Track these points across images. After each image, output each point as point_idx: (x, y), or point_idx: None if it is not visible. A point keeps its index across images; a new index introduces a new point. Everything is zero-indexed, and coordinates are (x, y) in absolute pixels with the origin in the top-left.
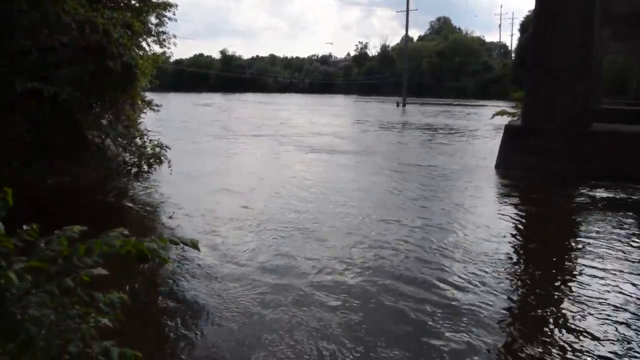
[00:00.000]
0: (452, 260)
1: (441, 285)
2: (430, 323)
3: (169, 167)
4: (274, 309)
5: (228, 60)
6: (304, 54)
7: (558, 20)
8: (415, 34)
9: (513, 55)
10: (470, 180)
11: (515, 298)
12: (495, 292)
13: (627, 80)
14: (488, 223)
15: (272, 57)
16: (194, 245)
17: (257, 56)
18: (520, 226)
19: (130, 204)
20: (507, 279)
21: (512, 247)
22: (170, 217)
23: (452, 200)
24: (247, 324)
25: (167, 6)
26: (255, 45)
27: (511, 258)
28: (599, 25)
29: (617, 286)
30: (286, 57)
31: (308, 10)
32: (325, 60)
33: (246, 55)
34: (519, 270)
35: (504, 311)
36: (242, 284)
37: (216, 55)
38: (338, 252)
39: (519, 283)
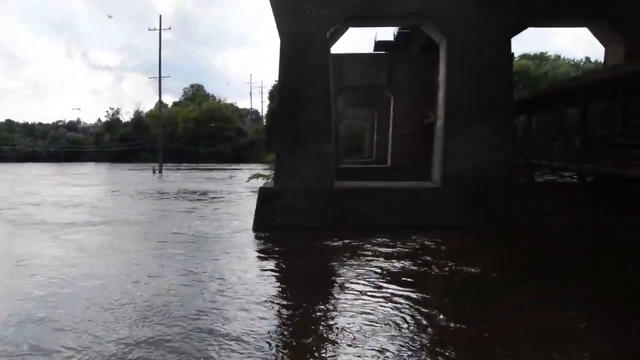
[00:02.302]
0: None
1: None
2: None
3: None
4: None
5: None
6: (48, 119)
7: (300, 91)
8: (169, 99)
9: (264, 120)
10: (229, 243)
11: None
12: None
13: (362, 141)
14: (248, 283)
15: (10, 123)
16: None
17: None
18: (280, 282)
19: None
20: (275, 323)
21: (273, 301)
22: None
23: (212, 265)
24: None
25: None
26: None
27: (273, 309)
28: (336, 95)
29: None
30: (27, 123)
31: (53, 73)
32: (73, 126)
33: None
34: (283, 314)
35: None
36: None
37: None
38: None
39: (287, 321)
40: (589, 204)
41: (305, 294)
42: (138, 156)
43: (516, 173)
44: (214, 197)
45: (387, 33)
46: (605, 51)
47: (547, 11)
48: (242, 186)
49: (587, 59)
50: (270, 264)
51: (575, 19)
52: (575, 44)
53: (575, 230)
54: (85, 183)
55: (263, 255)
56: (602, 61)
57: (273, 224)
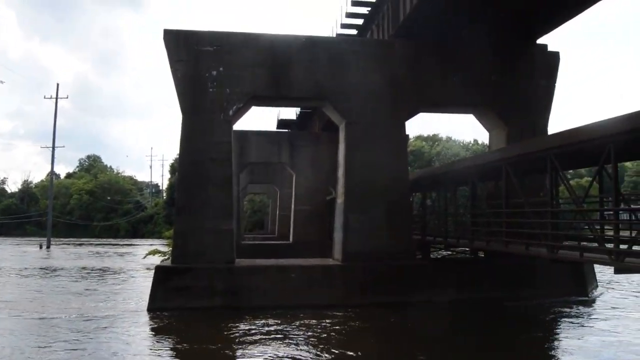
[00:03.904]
0: None
1: None
2: None
3: None
4: None
5: None
6: None
7: (202, 167)
8: (62, 170)
9: (164, 194)
10: (122, 326)
11: None
12: None
13: (264, 216)
14: None
15: None
16: None
17: None
18: None
19: None
20: None
21: None
22: None
23: (102, 352)
24: None
25: None
26: None
27: None
28: (239, 171)
29: None
30: None
31: None
32: None
33: None
34: None
35: None
36: None
37: None
38: None
39: None
40: (479, 279)
41: None
42: (24, 230)
43: (413, 250)
44: (107, 275)
45: (291, 112)
46: (490, 135)
47: (437, 99)
48: (138, 263)
49: (475, 141)
50: (164, 349)
51: (463, 107)
52: (466, 127)
53: (468, 304)
54: None
55: (156, 339)
56: (488, 143)
57: (170, 304)
